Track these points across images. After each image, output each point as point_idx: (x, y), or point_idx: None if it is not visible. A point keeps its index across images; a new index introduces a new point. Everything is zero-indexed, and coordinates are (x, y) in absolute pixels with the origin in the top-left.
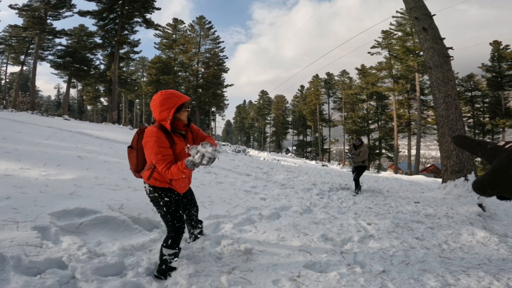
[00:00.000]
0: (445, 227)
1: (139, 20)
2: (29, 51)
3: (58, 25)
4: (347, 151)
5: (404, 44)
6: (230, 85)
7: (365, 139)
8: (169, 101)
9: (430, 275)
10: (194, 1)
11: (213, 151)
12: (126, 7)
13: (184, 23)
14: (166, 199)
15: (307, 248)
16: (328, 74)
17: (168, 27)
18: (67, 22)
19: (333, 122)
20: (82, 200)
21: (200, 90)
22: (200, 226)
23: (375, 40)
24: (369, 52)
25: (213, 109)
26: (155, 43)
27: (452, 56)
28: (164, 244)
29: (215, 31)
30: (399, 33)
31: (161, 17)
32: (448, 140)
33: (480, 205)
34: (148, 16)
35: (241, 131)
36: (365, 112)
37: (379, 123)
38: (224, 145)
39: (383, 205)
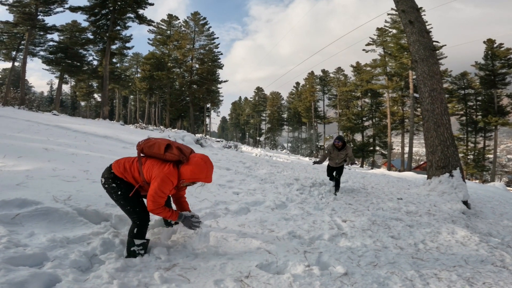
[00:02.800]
0: (425, 225)
1: (132, 15)
2: (20, 47)
3: (49, 20)
4: (325, 149)
5: (398, 42)
6: (225, 81)
7: (359, 136)
8: (201, 174)
9: (398, 279)
10: None
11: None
12: (119, 3)
13: (179, 19)
14: (124, 189)
15: (268, 246)
16: (323, 71)
17: (163, 23)
18: (60, 18)
19: (328, 119)
20: (27, 191)
21: (194, 86)
22: None
23: (369, 37)
24: (364, 49)
25: (208, 106)
26: (149, 39)
27: (445, 54)
28: (131, 235)
29: (210, 27)
30: (394, 31)
31: (156, 13)
32: (433, 134)
33: (465, 202)
34: (141, 11)
35: (236, 127)
36: (360, 109)
37: (373, 120)
38: (218, 141)
39: (364, 202)
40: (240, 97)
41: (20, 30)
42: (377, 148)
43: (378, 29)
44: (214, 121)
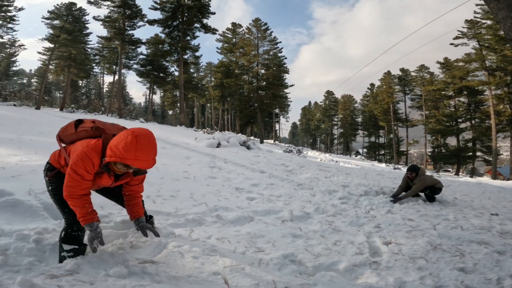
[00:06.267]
0: None
1: (198, 25)
2: (119, 61)
3: (138, 34)
4: (391, 198)
5: (497, 33)
6: (291, 86)
7: (453, 140)
8: (127, 153)
9: None
10: (253, 5)
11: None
12: (186, 14)
13: (242, 27)
14: (55, 184)
15: (230, 274)
16: (402, 70)
17: (228, 32)
18: (147, 32)
19: (411, 121)
20: (12, 183)
21: (261, 91)
22: (150, 221)
23: (458, 30)
24: (451, 44)
25: (276, 111)
26: (217, 47)
27: None
28: (59, 238)
29: (272, 32)
30: (488, 22)
31: (223, 23)
32: None
33: None
34: (205, 21)
35: (306, 133)
36: (453, 109)
37: (472, 121)
38: (286, 146)
39: (434, 217)
40: (309, 101)
41: (116, 44)
42: (479, 153)
43: (467, 21)
44: (284, 127)
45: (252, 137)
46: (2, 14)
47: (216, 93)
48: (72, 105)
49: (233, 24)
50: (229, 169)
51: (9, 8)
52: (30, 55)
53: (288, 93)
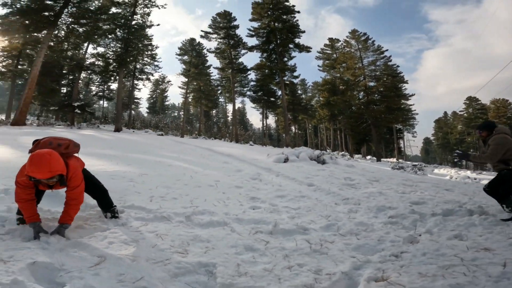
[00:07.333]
0: None
1: (291, 45)
2: (235, 90)
3: (246, 62)
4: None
5: None
6: (411, 96)
7: None
8: (27, 167)
9: None
10: (351, 18)
11: None
12: (278, 36)
13: (340, 41)
14: None
15: (114, 261)
16: None
17: (326, 48)
18: (254, 59)
19: None
20: None
21: (373, 106)
22: (111, 210)
23: None
24: None
25: (399, 126)
26: (318, 65)
27: None
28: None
29: (374, 41)
30: None
31: (325, 40)
32: None
33: None
34: (297, 40)
35: (445, 148)
36: None
37: None
38: (416, 165)
39: None
40: (445, 112)
41: (229, 74)
42: None
43: None
44: (413, 143)
45: (326, 151)
46: (149, 52)
47: (324, 112)
48: (196, 132)
49: (330, 39)
50: (271, 181)
51: (149, 47)
52: (178, 90)
53: (410, 105)
